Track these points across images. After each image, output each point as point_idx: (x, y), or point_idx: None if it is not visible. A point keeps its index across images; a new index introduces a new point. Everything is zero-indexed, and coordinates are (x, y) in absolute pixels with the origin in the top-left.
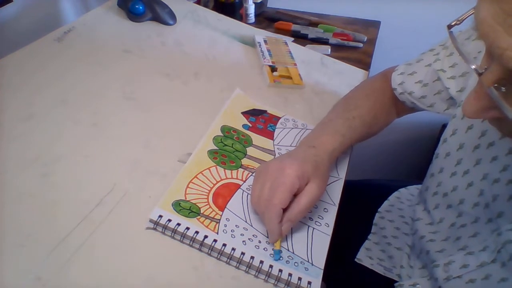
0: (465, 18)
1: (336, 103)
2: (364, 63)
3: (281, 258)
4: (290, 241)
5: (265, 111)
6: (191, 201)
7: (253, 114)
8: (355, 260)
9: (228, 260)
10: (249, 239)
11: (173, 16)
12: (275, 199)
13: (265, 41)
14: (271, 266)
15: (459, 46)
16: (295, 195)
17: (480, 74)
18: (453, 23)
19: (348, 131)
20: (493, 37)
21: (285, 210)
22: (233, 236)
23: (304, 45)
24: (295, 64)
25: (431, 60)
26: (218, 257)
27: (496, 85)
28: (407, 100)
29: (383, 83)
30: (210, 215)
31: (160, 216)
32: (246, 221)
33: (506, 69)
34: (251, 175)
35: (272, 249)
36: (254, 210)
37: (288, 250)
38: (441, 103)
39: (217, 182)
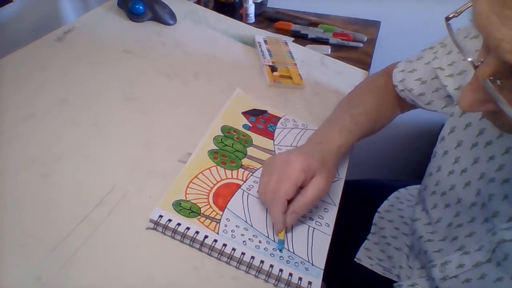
0: (463, 11)
1: (340, 101)
2: (364, 63)
3: (284, 249)
4: (291, 241)
5: (265, 111)
6: (192, 201)
7: (253, 114)
8: (355, 260)
9: (229, 260)
10: (249, 239)
11: (173, 16)
12: (281, 191)
13: (265, 41)
14: (271, 266)
15: (455, 37)
16: (301, 188)
17: (476, 67)
18: (451, 15)
19: (355, 127)
20: (489, 28)
21: (290, 202)
22: (233, 236)
23: (304, 45)
24: (295, 64)
25: (430, 58)
26: (219, 257)
27: (491, 78)
28: (407, 97)
29: (386, 79)
30: (210, 215)
31: (161, 216)
32: (246, 221)
33: (501, 61)
34: (252, 175)
35: (277, 240)
36: (261, 201)
37: (289, 250)
38: (439, 101)
39: (218, 182)
